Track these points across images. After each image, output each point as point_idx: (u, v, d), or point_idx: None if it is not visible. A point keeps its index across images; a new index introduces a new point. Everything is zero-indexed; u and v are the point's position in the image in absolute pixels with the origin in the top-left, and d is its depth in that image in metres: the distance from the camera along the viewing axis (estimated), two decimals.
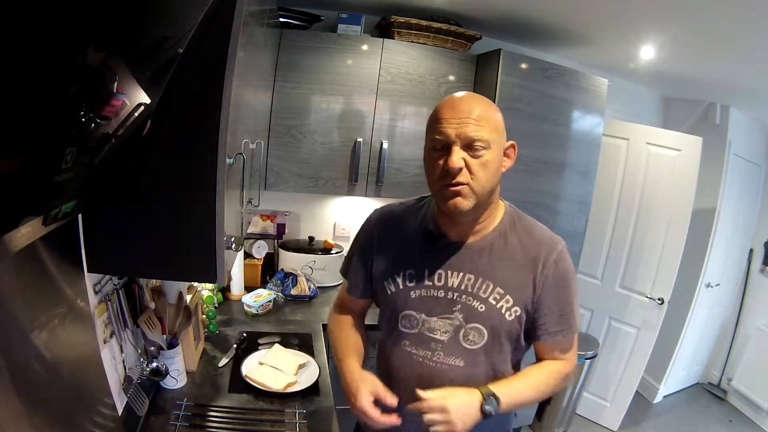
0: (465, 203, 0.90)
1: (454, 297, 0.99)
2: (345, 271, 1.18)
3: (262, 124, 1.78)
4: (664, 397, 3.26)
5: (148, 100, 0.69)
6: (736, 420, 3.12)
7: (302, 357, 1.57)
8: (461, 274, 0.99)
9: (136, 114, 0.66)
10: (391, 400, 0.96)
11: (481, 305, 0.98)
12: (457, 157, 0.87)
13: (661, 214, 2.58)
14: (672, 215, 2.55)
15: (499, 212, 1.02)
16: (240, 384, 1.41)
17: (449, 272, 0.99)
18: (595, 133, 2.24)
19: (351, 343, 1.11)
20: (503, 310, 0.98)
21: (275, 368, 1.48)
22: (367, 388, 0.96)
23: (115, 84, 0.57)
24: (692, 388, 3.49)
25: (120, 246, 0.97)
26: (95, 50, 0.48)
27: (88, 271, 0.95)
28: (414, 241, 1.04)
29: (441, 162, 0.90)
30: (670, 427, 2.96)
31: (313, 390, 1.42)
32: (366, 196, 2.17)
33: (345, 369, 1.03)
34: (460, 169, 0.88)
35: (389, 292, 1.05)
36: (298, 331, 1.85)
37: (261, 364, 1.50)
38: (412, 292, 1.02)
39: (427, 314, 1.01)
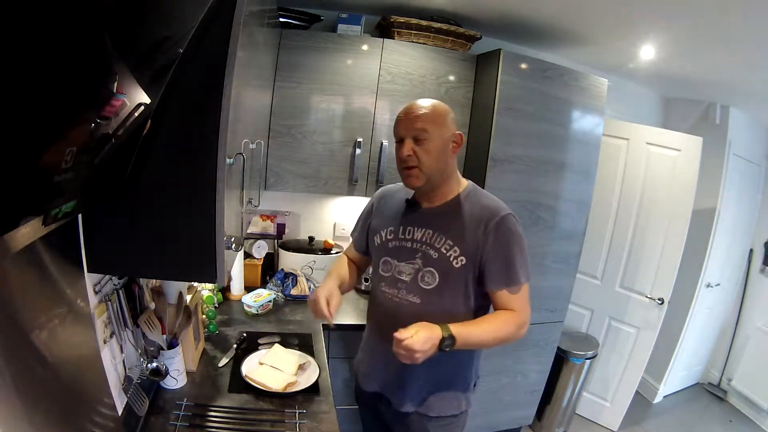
0: (416, 181, 1.23)
1: (416, 246, 1.27)
2: (353, 231, 1.53)
3: (262, 124, 1.78)
4: (664, 397, 3.26)
5: (148, 100, 0.69)
6: (736, 420, 3.12)
7: (302, 357, 1.57)
8: (423, 229, 1.28)
9: (136, 114, 0.66)
10: (332, 311, 1.28)
11: (435, 253, 1.24)
12: (407, 147, 1.20)
13: (661, 214, 2.58)
14: (672, 215, 2.55)
15: (459, 187, 1.30)
16: (240, 384, 1.41)
17: (415, 228, 1.29)
18: (595, 133, 2.23)
19: (338, 271, 1.46)
20: (451, 258, 1.23)
21: (275, 368, 1.48)
22: (323, 292, 1.29)
23: (115, 84, 0.57)
24: (692, 388, 3.49)
25: (120, 246, 0.97)
26: (95, 50, 0.48)
27: (88, 271, 0.95)
28: (398, 208, 1.36)
29: (399, 151, 1.23)
30: (670, 427, 2.96)
31: (313, 390, 1.42)
32: (366, 196, 2.16)
33: (323, 282, 1.39)
34: (410, 156, 1.20)
35: (376, 243, 1.38)
36: (298, 331, 1.85)
37: (261, 364, 1.50)
38: (390, 243, 1.33)
39: (398, 260, 1.30)
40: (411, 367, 1.26)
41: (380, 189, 1.51)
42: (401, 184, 1.40)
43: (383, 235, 1.35)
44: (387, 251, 1.33)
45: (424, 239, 1.26)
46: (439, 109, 1.23)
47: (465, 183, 1.32)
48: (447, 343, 1.11)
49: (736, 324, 3.40)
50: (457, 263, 1.22)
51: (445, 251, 1.23)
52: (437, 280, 1.24)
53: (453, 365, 1.30)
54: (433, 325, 1.13)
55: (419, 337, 1.09)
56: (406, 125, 1.21)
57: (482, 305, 1.30)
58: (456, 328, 1.14)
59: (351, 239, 1.54)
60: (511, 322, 1.22)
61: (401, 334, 1.09)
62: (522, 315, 1.23)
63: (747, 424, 3.09)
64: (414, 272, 1.27)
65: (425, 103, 1.23)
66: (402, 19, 2.06)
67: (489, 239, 1.20)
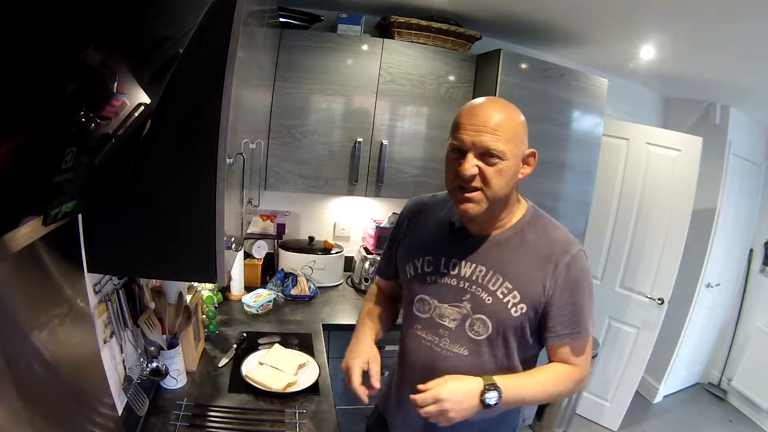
0: (475, 209, 0.94)
1: (465, 286, 1.02)
2: (381, 259, 1.27)
3: (262, 124, 1.78)
4: (664, 397, 3.26)
5: (148, 100, 0.69)
6: (736, 420, 3.12)
7: (302, 357, 1.57)
8: (474, 265, 1.02)
9: (136, 114, 0.66)
10: (374, 383, 1.04)
11: (489, 297, 1.00)
12: (470, 164, 0.91)
13: (661, 214, 2.58)
14: (672, 215, 2.55)
15: (519, 210, 1.05)
16: (240, 384, 1.41)
17: (463, 262, 1.03)
18: (595, 133, 2.23)
19: (370, 313, 1.20)
20: (509, 305, 0.99)
21: (275, 368, 1.48)
22: (359, 364, 1.04)
23: (115, 84, 0.57)
24: (692, 388, 3.49)
25: (120, 246, 0.97)
26: (95, 50, 0.48)
27: (88, 271, 0.95)
28: (437, 230, 1.09)
29: (456, 166, 0.94)
30: (670, 427, 2.96)
31: (313, 390, 1.42)
32: (366, 196, 2.16)
33: (354, 335, 1.15)
34: (473, 177, 0.92)
35: (408, 276, 1.11)
36: (298, 331, 1.85)
37: (261, 364, 1.50)
38: (428, 278, 1.07)
39: (440, 300, 1.05)
40: None
41: (413, 201, 1.20)
42: (436, 196, 1.17)
43: (418, 265, 1.08)
44: (424, 288, 1.07)
45: (474, 278, 1.01)
46: (517, 119, 0.95)
47: (525, 205, 1.07)
48: (490, 394, 0.92)
49: (736, 324, 3.40)
50: (516, 311, 0.99)
51: (501, 296, 0.99)
52: (489, 329, 1.01)
53: (499, 412, 1.07)
54: (468, 376, 0.95)
55: (448, 388, 0.91)
56: (474, 138, 0.90)
57: (537, 353, 1.11)
58: (502, 380, 0.94)
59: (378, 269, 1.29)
60: (569, 377, 1.03)
61: (422, 389, 0.92)
62: (582, 369, 1.05)
63: (747, 424, 3.09)
64: (460, 318, 1.03)
65: (499, 110, 0.93)
66: (402, 19, 2.06)
67: (558, 282, 0.98)
